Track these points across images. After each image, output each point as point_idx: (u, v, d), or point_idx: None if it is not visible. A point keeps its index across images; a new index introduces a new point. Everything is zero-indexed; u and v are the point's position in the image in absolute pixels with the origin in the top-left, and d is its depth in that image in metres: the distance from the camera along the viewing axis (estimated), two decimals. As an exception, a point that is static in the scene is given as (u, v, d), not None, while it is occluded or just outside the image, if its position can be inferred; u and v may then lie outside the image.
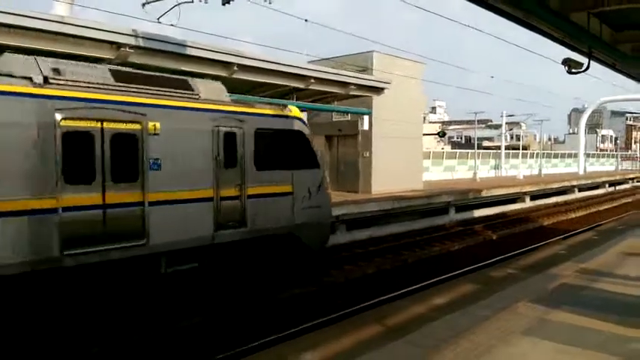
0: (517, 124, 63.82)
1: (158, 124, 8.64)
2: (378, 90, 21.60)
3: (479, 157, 39.21)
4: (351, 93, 20.47)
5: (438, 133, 40.22)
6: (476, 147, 39.17)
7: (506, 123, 44.93)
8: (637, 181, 47.52)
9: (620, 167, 64.21)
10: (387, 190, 21.65)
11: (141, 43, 12.80)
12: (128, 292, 8.62)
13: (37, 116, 7.40)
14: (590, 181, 37.99)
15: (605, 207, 29.33)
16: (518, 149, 48.34)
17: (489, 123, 75.18)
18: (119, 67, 9.38)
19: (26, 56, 8.04)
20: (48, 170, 7.44)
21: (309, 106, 19.13)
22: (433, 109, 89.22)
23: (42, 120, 7.43)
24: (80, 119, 7.86)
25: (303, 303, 10.38)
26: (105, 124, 8.11)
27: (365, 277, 12.71)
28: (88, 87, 8.08)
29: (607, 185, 40.55)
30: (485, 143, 67.02)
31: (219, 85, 10.44)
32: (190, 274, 9.35)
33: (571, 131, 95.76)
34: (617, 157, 69.21)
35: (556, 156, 55.36)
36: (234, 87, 14.21)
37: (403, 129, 23.29)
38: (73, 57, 12.53)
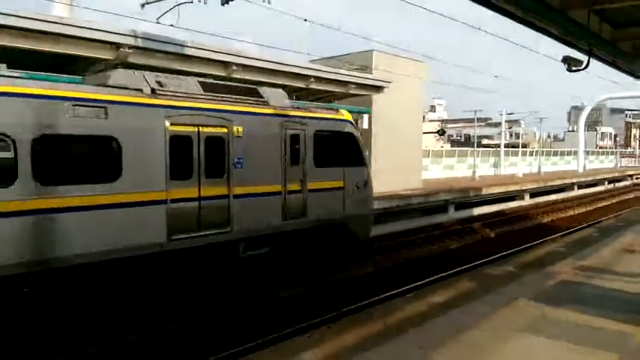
0: (516, 122, 63.78)
1: (241, 128, 9.93)
2: (378, 89, 21.64)
3: (478, 156, 39.23)
4: (351, 92, 20.51)
5: (437, 132, 40.26)
6: (475, 145, 39.20)
7: (506, 121, 44.97)
8: (636, 178, 47.56)
9: (619, 164, 64.24)
10: (387, 189, 21.66)
11: (140, 43, 12.84)
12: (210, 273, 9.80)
13: (153, 122, 8.70)
14: (589, 179, 38.07)
15: (605, 204, 29.41)
16: (518, 147, 48.36)
17: (489, 121, 75.13)
18: (205, 79, 10.61)
19: (135, 71, 9.40)
20: (161, 167, 8.72)
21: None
22: (432, 108, 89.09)
23: (156, 125, 8.72)
24: (182, 125, 9.12)
25: (306, 301, 10.44)
26: (200, 129, 9.38)
27: (365, 275, 12.76)
28: (184, 97, 9.31)
29: (606, 182, 40.63)
30: (485, 141, 67.06)
31: (282, 92, 11.75)
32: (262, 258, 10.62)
33: (570, 129, 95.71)
34: (616, 155, 69.26)
35: (555, 154, 55.39)
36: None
37: (403, 128, 23.31)
38: (73, 58, 12.64)
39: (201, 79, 10.23)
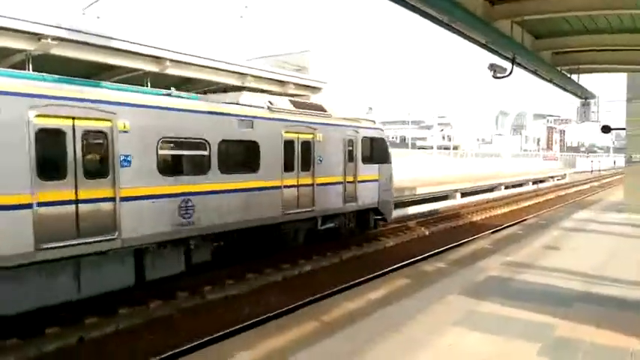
0: (448, 124, 66.33)
1: (321, 134, 13.52)
2: (315, 89, 21.69)
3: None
4: (290, 92, 20.40)
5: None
6: (410, 146, 40.26)
7: (438, 124, 46.57)
8: (557, 179, 50.82)
9: (542, 166, 68.29)
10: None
11: (64, 34, 12.10)
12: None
13: (275, 131, 12.22)
14: (515, 179, 40.13)
15: (529, 203, 31.04)
16: (449, 149, 50.26)
17: (422, 124, 77.60)
18: (294, 98, 14.62)
19: (254, 93, 13.07)
20: (279, 163, 12.27)
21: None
22: (370, 109, 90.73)
23: (277, 133, 12.26)
24: (290, 132, 12.70)
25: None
26: (299, 135, 12.96)
27: (300, 275, 12.72)
28: (287, 112, 12.83)
29: (531, 183, 43.02)
30: (419, 143, 69.24)
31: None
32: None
33: (498, 133, 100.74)
34: (539, 157, 73.63)
35: (484, 155, 58.05)
36: (163, 82, 13.72)
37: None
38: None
39: (291, 98, 14.15)
